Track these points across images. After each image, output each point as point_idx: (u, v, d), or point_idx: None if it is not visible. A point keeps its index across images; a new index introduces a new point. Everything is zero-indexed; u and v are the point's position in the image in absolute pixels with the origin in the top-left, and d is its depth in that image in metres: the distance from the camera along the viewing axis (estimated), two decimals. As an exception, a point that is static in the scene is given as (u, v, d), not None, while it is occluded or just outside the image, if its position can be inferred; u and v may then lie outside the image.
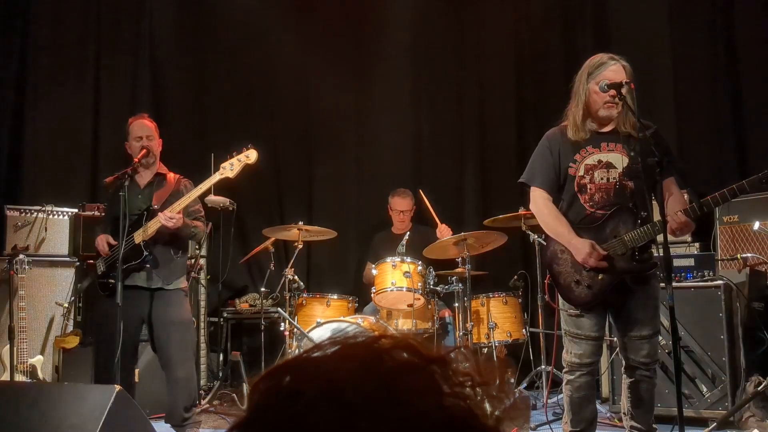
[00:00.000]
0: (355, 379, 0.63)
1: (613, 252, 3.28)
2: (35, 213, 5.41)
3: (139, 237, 4.22)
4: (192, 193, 4.26)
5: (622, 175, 3.32)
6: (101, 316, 4.45)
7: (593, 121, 3.41)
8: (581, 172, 3.38)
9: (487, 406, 0.67)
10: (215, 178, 4.30)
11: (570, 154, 3.41)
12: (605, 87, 3.28)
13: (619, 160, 3.33)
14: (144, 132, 4.44)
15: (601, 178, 3.34)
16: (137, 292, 4.25)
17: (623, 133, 3.35)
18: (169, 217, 4.12)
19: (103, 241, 4.33)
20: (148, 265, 4.25)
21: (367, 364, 0.65)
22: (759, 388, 4.10)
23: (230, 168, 4.30)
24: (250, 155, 4.35)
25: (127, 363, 4.18)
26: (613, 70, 3.31)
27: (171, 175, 4.51)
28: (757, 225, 4.43)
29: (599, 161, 3.36)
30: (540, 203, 3.47)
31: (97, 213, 5.45)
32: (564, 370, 3.47)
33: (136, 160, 4.33)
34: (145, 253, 4.22)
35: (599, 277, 3.29)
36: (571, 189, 3.41)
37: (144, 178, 4.47)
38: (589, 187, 3.36)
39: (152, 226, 4.22)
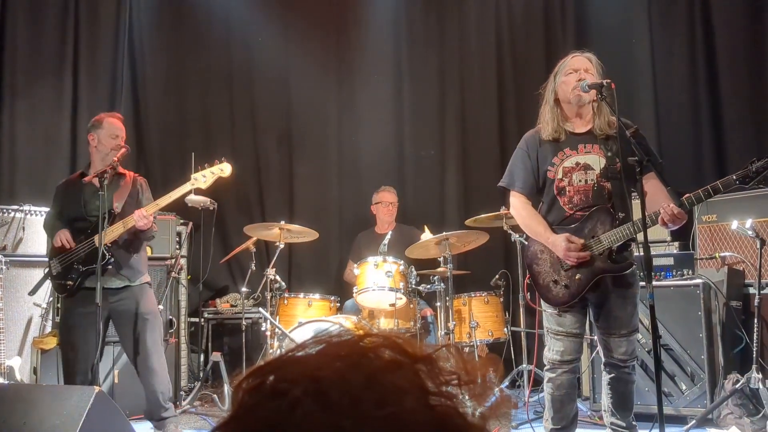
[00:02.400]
0: (340, 378, 0.63)
1: (590, 252, 3.32)
2: (13, 212, 5.35)
3: (98, 240, 4.11)
4: (161, 200, 4.23)
5: (600, 176, 3.36)
6: (64, 320, 4.35)
7: (567, 120, 3.46)
8: (560, 175, 3.42)
9: (473, 404, 0.66)
10: (186, 188, 4.31)
11: (548, 157, 3.45)
12: (586, 87, 3.32)
13: (596, 161, 3.38)
14: (121, 132, 4.40)
15: (579, 180, 3.39)
16: (103, 294, 4.11)
17: (599, 134, 3.39)
18: (143, 216, 4.10)
19: (64, 237, 4.21)
20: (110, 267, 4.18)
21: (351, 363, 0.64)
22: (737, 386, 4.14)
23: (203, 179, 4.34)
24: (225, 169, 4.39)
25: (94, 366, 4.13)
26: (577, 59, 3.41)
27: (128, 174, 4.47)
28: (735, 224, 4.48)
29: (577, 163, 3.40)
30: (519, 206, 3.55)
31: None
32: (545, 368, 3.51)
33: (116, 159, 4.28)
34: (108, 256, 4.13)
35: (576, 277, 3.34)
36: (550, 192, 3.46)
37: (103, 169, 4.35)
38: (568, 189, 3.41)
39: (114, 231, 4.16)
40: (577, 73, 3.38)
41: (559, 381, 3.42)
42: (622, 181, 3.31)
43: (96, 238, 4.14)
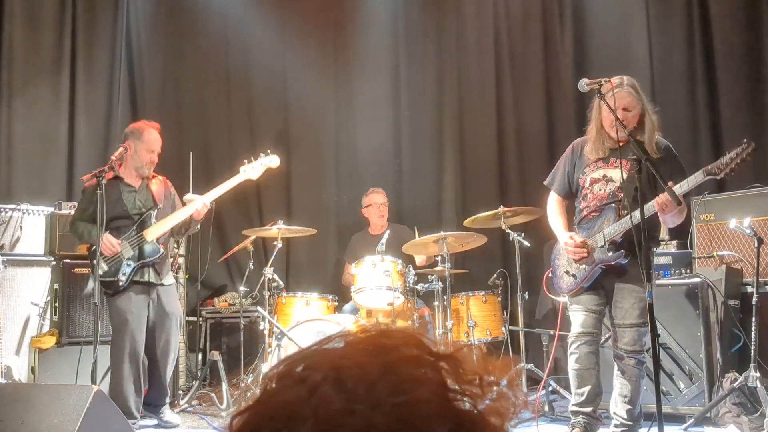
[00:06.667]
0: (359, 367, 0.66)
1: (594, 243, 3.78)
2: (10, 212, 5.33)
3: (151, 234, 4.52)
4: (216, 190, 4.68)
5: (618, 188, 3.76)
6: (120, 314, 4.59)
7: (609, 140, 3.81)
8: (587, 184, 3.90)
9: (491, 404, 0.68)
10: (237, 179, 4.75)
11: (582, 166, 3.94)
12: (584, 86, 3.57)
13: (618, 174, 3.75)
14: (158, 146, 4.72)
15: (599, 189, 3.85)
16: (148, 288, 4.62)
17: (632, 151, 3.63)
18: (206, 204, 4.58)
19: (108, 243, 4.47)
20: (158, 262, 4.62)
21: (373, 354, 0.67)
22: (735, 384, 4.15)
23: (252, 170, 4.76)
24: (273, 160, 4.85)
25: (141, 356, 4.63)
26: (619, 95, 3.63)
27: (158, 177, 4.81)
28: (733, 223, 4.48)
29: (603, 175, 3.85)
30: (549, 204, 4.13)
31: (73, 212, 5.38)
32: (569, 345, 3.91)
33: (113, 158, 4.47)
34: (161, 249, 4.58)
35: (582, 267, 3.84)
36: (579, 196, 3.98)
37: (135, 179, 4.72)
38: (589, 196, 3.89)
39: (160, 227, 4.55)
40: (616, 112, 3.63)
41: (577, 354, 3.82)
42: (637, 189, 3.59)
43: (146, 233, 4.53)
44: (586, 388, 3.80)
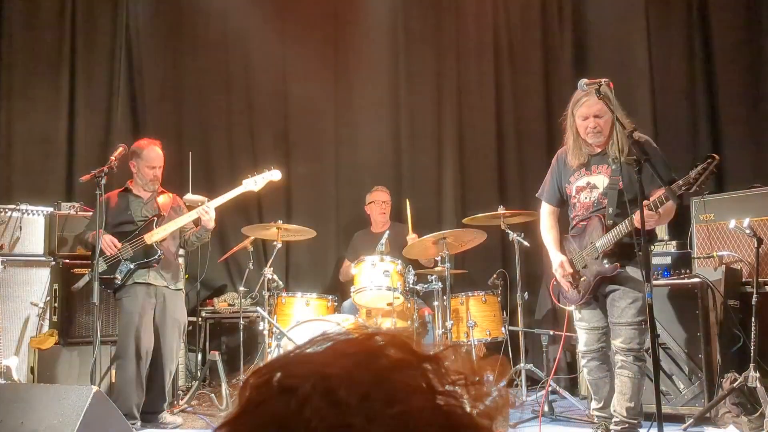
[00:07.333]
0: (348, 376, 0.63)
1: (589, 256, 3.86)
2: (10, 212, 5.33)
3: (149, 239, 4.66)
4: (218, 199, 4.81)
5: (601, 194, 3.85)
6: (127, 314, 4.66)
7: (586, 146, 3.90)
8: (573, 192, 3.99)
9: (479, 404, 0.66)
10: (240, 190, 4.90)
11: (567, 176, 4.03)
12: (584, 85, 3.56)
13: (601, 181, 3.86)
14: (159, 162, 4.89)
15: (585, 198, 3.93)
16: (152, 289, 4.71)
17: (612, 155, 3.74)
18: (210, 210, 4.72)
19: (109, 242, 4.59)
20: (157, 264, 4.69)
21: (359, 361, 0.65)
22: (734, 385, 4.15)
23: (254, 183, 4.92)
24: (275, 174, 5.01)
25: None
26: (586, 104, 3.76)
27: (168, 193, 5.00)
28: (732, 223, 4.48)
29: (587, 183, 3.92)
30: (542, 216, 4.21)
31: (72, 212, 5.38)
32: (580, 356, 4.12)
33: (113, 159, 4.58)
34: (159, 251, 4.66)
35: (582, 279, 3.93)
36: (568, 205, 4.08)
37: (146, 192, 4.92)
38: (577, 205, 3.98)
39: (160, 232, 4.68)
40: (586, 120, 3.80)
41: (589, 367, 3.99)
42: (622, 194, 3.70)
43: (146, 236, 4.68)
44: (603, 394, 3.97)
